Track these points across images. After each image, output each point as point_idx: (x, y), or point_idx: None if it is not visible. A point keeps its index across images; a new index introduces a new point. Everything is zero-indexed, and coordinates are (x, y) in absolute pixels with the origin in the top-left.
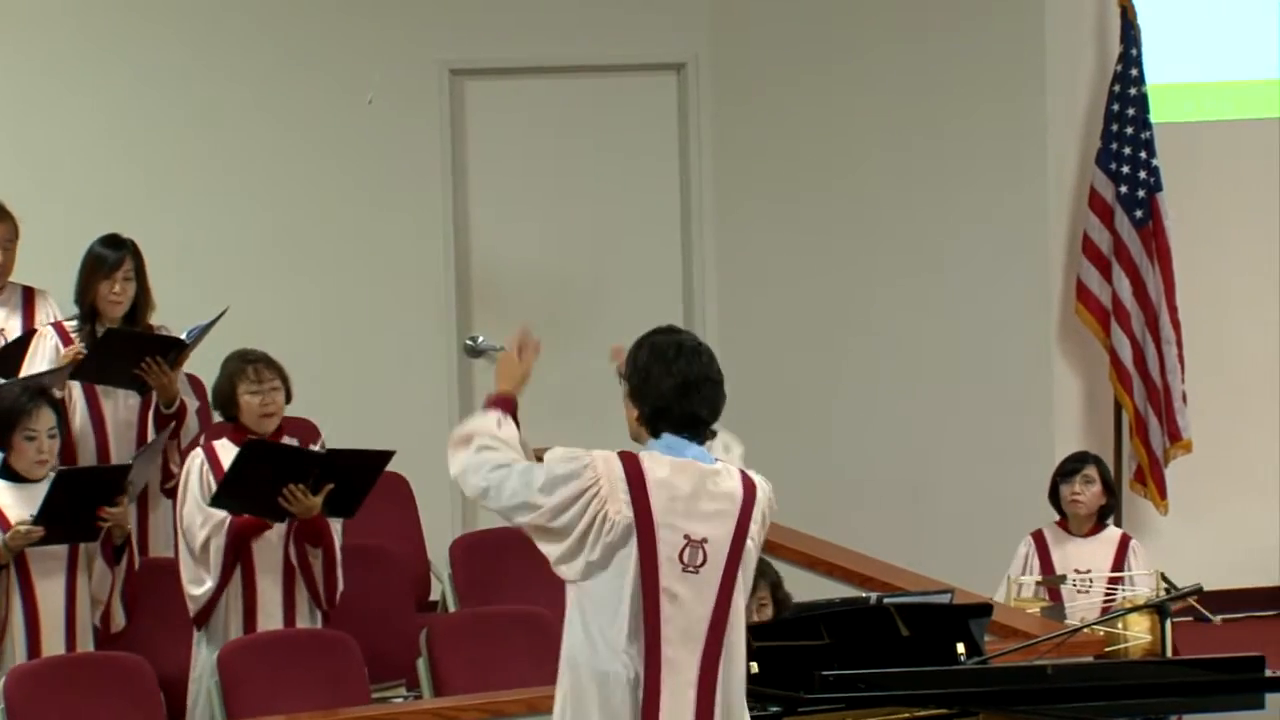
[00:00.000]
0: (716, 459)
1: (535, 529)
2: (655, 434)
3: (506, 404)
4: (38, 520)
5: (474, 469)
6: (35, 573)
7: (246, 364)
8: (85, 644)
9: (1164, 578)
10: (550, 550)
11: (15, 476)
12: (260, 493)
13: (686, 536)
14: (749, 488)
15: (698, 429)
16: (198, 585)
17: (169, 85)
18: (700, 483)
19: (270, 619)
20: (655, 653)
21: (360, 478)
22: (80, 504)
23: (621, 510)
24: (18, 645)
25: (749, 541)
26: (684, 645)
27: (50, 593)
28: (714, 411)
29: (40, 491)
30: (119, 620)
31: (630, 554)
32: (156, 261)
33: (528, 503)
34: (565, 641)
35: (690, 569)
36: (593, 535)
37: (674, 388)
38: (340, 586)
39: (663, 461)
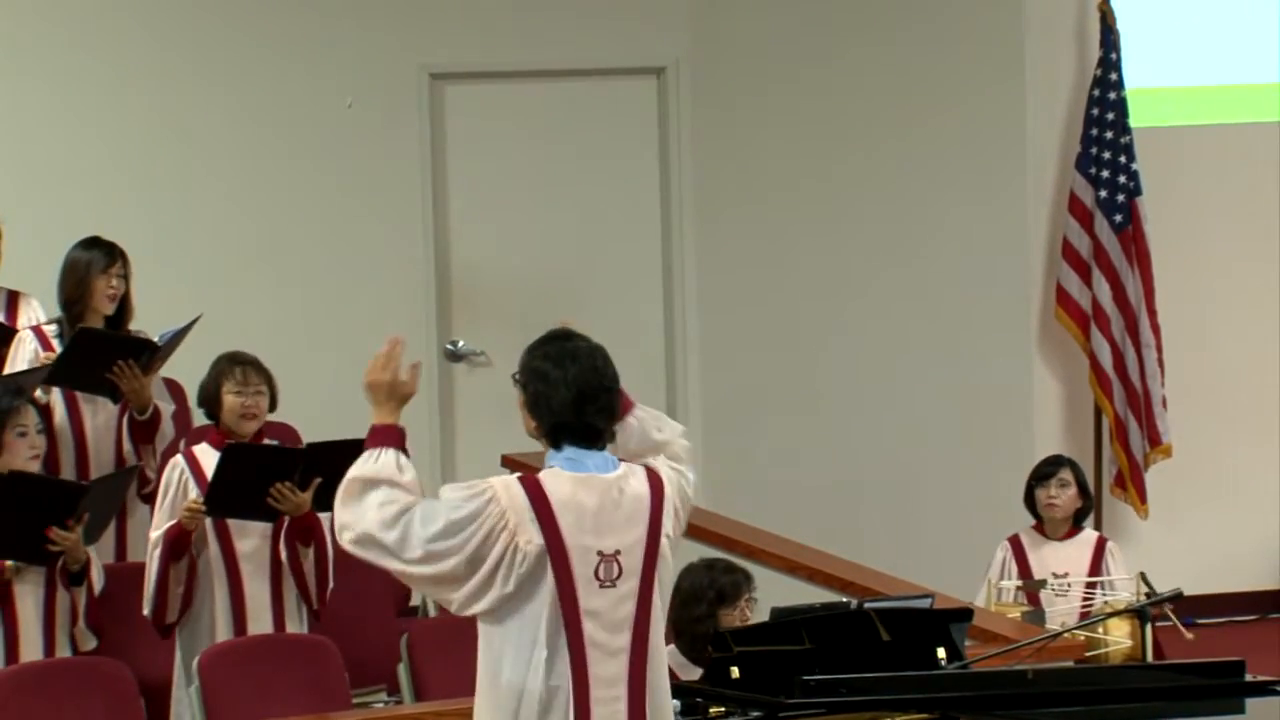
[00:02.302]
0: (620, 460)
1: (436, 579)
2: (556, 445)
3: (395, 437)
4: None
5: (372, 527)
6: (15, 582)
7: (234, 365)
8: (63, 654)
9: (1144, 579)
10: (453, 595)
11: None
12: (248, 495)
13: (599, 553)
14: (656, 486)
15: (597, 439)
16: (147, 603)
17: (148, 88)
18: (605, 494)
19: (259, 621)
20: (582, 670)
21: (346, 468)
22: (26, 517)
23: (532, 539)
24: None
25: (664, 539)
26: (609, 658)
27: (28, 603)
28: (611, 417)
29: None
30: (86, 644)
31: (545, 581)
32: (137, 265)
33: (431, 552)
34: (481, 667)
35: (607, 584)
36: (503, 569)
37: (570, 401)
38: (330, 585)
39: (564, 478)
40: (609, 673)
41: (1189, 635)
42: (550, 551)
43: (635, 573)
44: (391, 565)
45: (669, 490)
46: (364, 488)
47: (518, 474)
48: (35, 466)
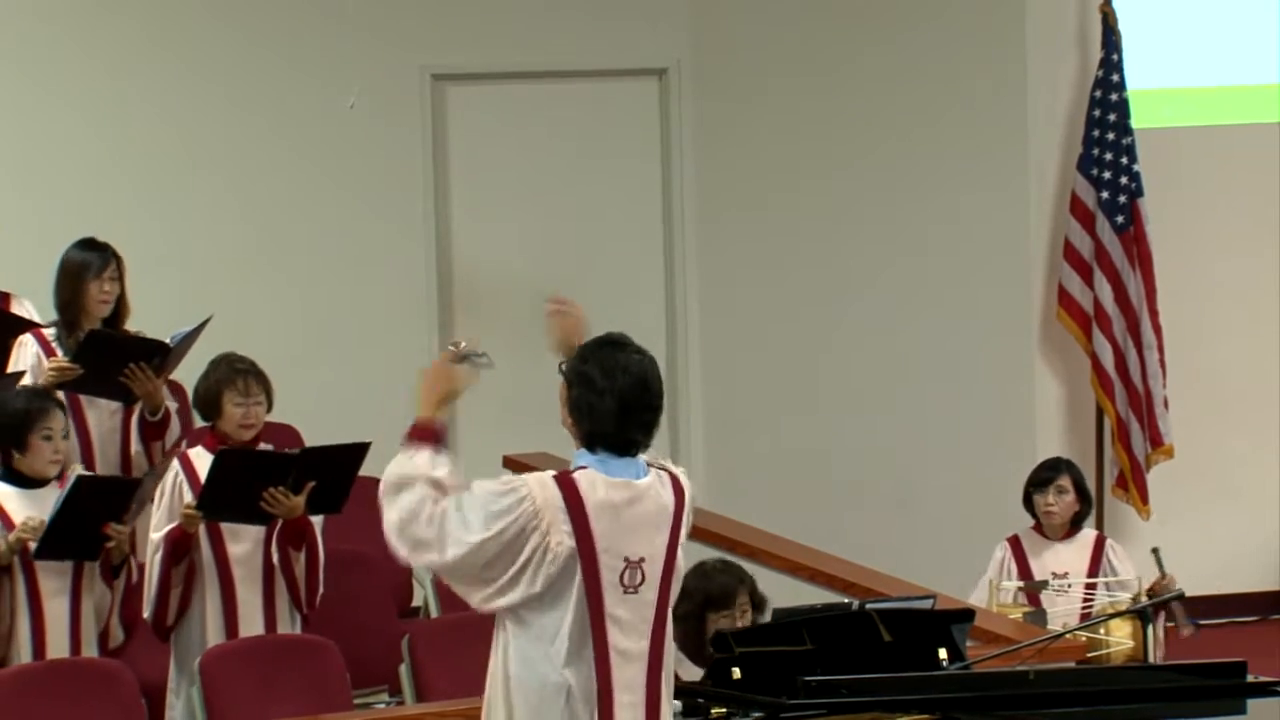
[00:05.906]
0: (650, 465)
1: (468, 574)
2: (589, 448)
3: (431, 434)
4: (52, 521)
5: (406, 524)
6: (43, 581)
7: (236, 374)
8: (90, 654)
9: (1157, 555)
10: (478, 591)
11: (18, 481)
12: (241, 499)
13: (626, 559)
14: (679, 495)
15: (632, 450)
16: (148, 606)
17: (149, 89)
18: (636, 500)
19: (250, 625)
20: (606, 675)
21: (341, 472)
22: (91, 513)
23: (563, 541)
24: (23, 653)
25: (679, 549)
26: (629, 663)
27: (56, 602)
28: (649, 433)
29: (44, 495)
30: (117, 637)
31: (573, 583)
32: (137, 266)
33: (465, 547)
34: (495, 664)
35: (630, 590)
36: (532, 568)
37: (612, 413)
38: (320, 589)
39: (599, 482)
40: (629, 677)
41: (1186, 632)
42: (581, 555)
43: (656, 582)
44: (428, 560)
45: (686, 498)
46: (398, 487)
47: (552, 472)
48: (54, 471)
